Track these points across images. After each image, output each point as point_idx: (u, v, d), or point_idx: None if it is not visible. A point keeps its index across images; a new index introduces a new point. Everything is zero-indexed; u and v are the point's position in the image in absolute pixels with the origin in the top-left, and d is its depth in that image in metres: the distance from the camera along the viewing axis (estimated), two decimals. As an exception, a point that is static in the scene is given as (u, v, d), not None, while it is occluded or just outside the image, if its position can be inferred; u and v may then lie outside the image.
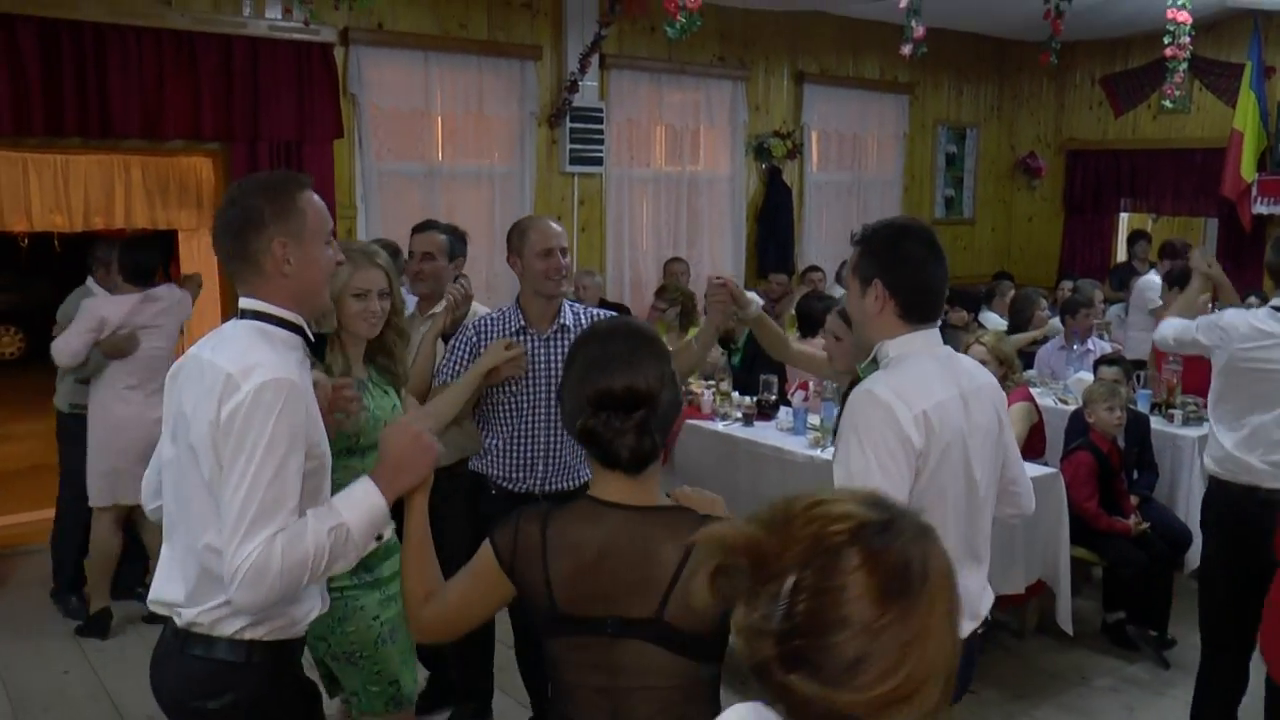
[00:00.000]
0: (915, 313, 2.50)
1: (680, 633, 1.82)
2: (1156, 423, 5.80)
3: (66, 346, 5.06)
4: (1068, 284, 8.58)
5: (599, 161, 8.22)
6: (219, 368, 2.09)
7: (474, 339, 3.72)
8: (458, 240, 4.58)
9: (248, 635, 2.17)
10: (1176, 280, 6.14)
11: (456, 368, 3.69)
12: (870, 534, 1.11)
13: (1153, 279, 7.82)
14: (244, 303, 2.23)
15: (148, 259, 5.38)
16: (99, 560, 5.29)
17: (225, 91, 6.42)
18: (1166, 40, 6.84)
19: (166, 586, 2.22)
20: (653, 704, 1.86)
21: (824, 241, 9.71)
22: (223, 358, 2.11)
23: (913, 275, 2.47)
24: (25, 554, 6.15)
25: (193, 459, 2.11)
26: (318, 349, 2.66)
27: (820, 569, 1.10)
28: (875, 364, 2.54)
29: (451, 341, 3.80)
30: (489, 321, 3.75)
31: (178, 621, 2.19)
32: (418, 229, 4.52)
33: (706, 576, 1.17)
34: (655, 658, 1.84)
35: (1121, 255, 10.58)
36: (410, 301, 4.49)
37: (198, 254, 9.13)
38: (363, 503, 2.12)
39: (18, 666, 4.86)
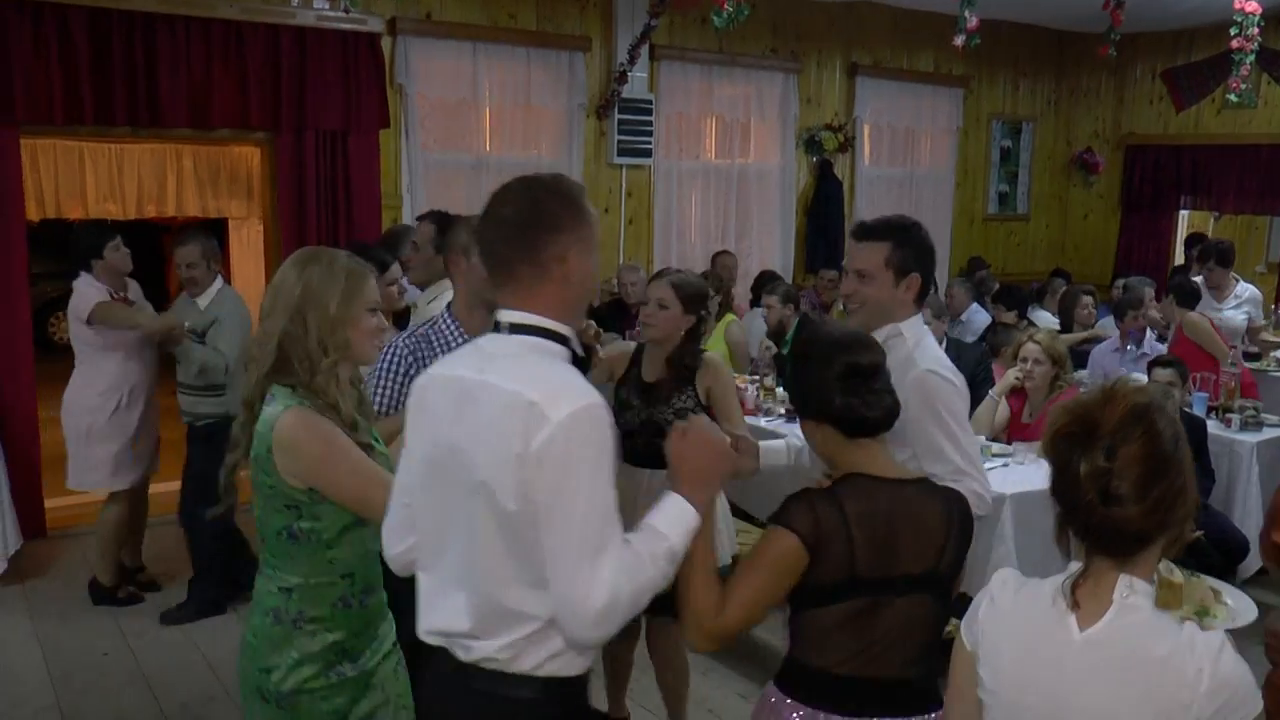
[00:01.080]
0: (924, 298, 2.98)
1: (945, 581, 2.23)
2: (1213, 427, 5.62)
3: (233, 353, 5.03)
4: (1121, 283, 8.40)
5: (648, 154, 8.16)
6: (514, 394, 1.87)
7: (409, 362, 3.14)
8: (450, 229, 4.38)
9: (546, 670, 1.96)
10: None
11: (393, 397, 3.12)
12: (1158, 404, 1.69)
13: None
14: (510, 315, 2.00)
15: None
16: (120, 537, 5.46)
17: (272, 81, 6.45)
18: (1233, 32, 6.66)
19: (448, 619, 2.00)
20: (909, 652, 2.20)
21: (875, 236, 9.57)
22: (511, 381, 1.89)
23: (933, 267, 3.00)
24: (74, 536, 6.23)
25: (480, 494, 1.90)
26: (582, 364, 2.34)
27: (1135, 426, 1.65)
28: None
29: (379, 367, 3.14)
30: (423, 341, 3.17)
31: (463, 656, 1.99)
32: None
33: (1051, 436, 1.75)
34: (925, 608, 2.21)
35: (1179, 255, 10.34)
36: (412, 292, 4.57)
37: (247, 242, 9.21)
38: (680, 520, 1.97)
39: (61, 647, 4.92)
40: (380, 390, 3.13)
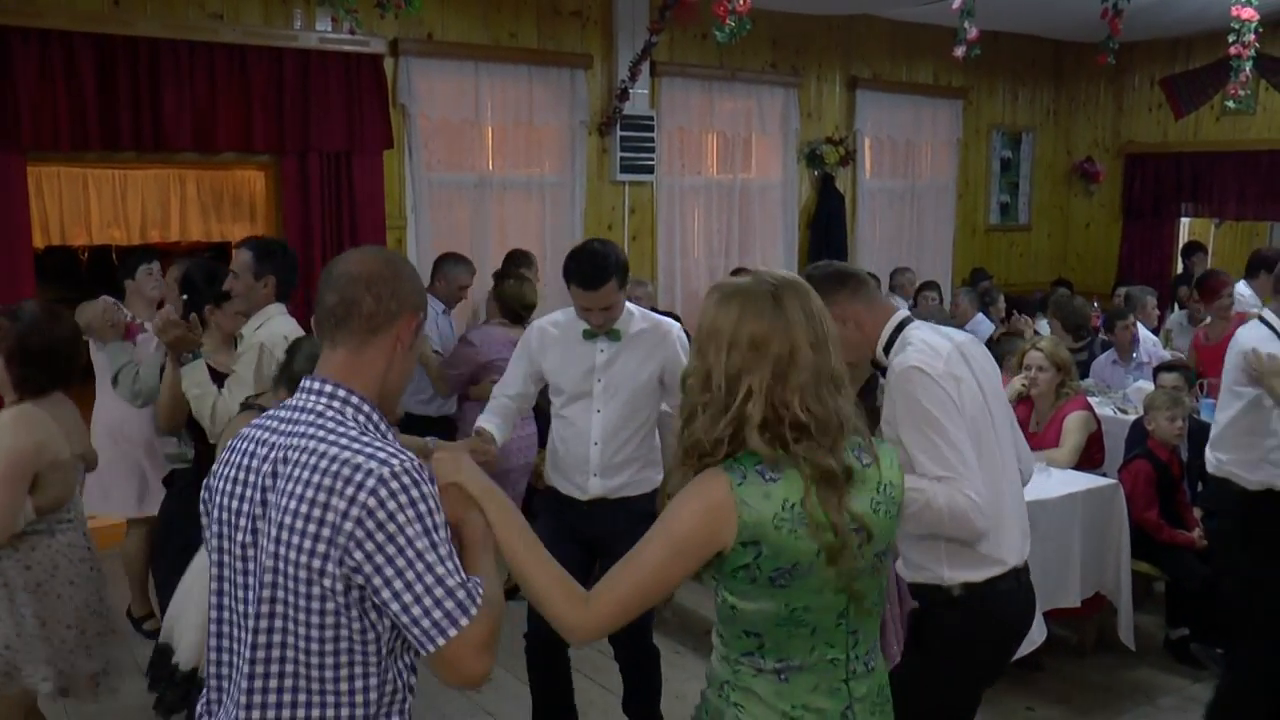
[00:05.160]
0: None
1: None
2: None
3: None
4: (1123, 291, 8.42)
5: (650, 170, 8.19)
6: None
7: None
8: (268, 255, 4.15)
9: None
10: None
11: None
12: None
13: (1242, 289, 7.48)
14: None
15: None
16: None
17: (276, 104, 6.47)
18: (1231, 38, 6.67)
19: None
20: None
21: (878, 249, 9.60)
22: None
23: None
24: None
25: None
26: None
27: None
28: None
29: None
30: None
31: None
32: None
33: None
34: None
35: (1180, 264, 10.33)
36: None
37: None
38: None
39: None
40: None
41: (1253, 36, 6.65)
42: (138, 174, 8.73)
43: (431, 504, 1.77)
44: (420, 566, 1.73)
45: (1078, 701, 4.66)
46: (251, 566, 1.83)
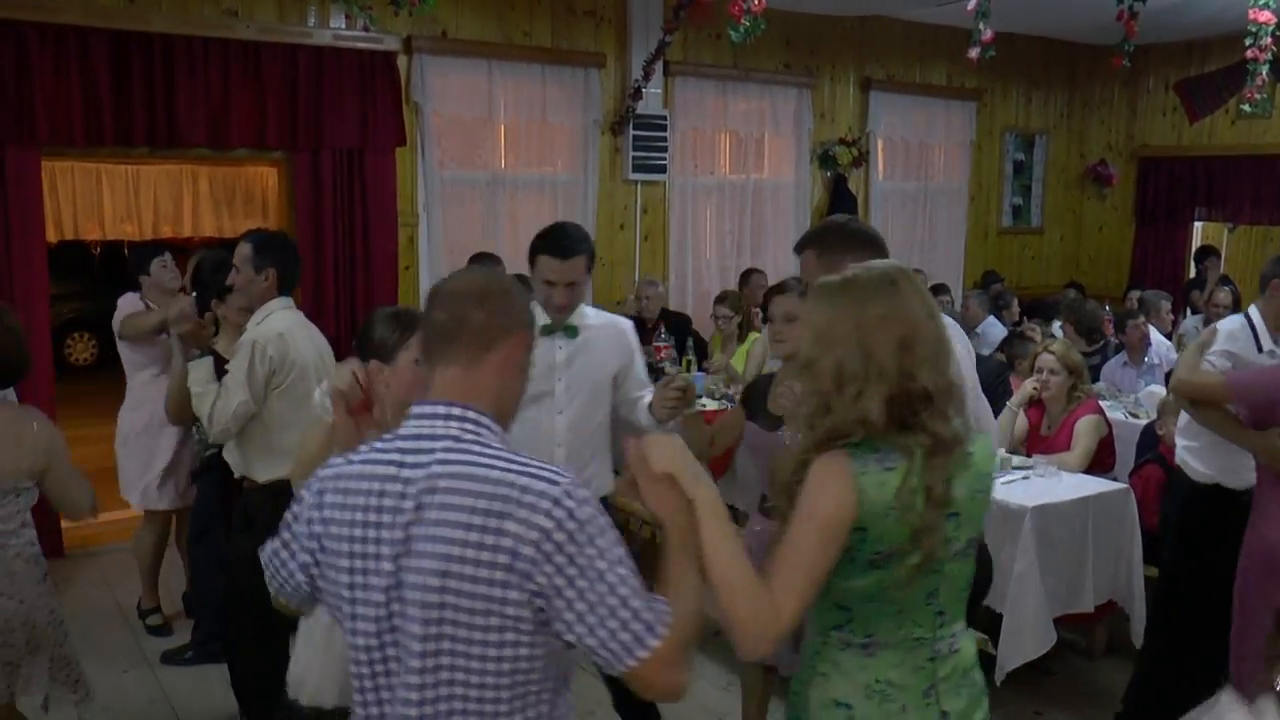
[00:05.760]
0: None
1: None
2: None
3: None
4: (1135, 294, 8.38)
5: (662, 169, 8.18)
6: None
7: None
8: (268, 248, 4.03)
9: None
10: None
11: None
12: None
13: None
14: None
15: None
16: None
17: (289, 100, 6.49)
18: (1248, 42, 6.63)
19: None
20: None
21: (890, 250, 9.54)
22: None
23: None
24: (91, 555, 6.26)
25: None
26: None
27: None
28: None
29: None
30: None
31: None
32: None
33: None
34: None
35: (1192, 269, 10.30)
36: None
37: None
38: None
39: (82, 664, 4.90)
40: None
41: (1270, 40, 6.61)
42: (151, 169, 8.76)
43: (603, 521, 1.72)
44: (603, 588, 1.68)
45: (1087, 706, 4.64)
46: (399, 608, 1.74)
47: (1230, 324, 4.05)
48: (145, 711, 4.54)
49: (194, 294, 4.35)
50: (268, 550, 1.94)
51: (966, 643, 2.12)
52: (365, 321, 2.70)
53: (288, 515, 1.91)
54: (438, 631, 1.71)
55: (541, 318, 3.48)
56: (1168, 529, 4.37)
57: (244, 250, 3.96)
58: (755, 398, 3.62)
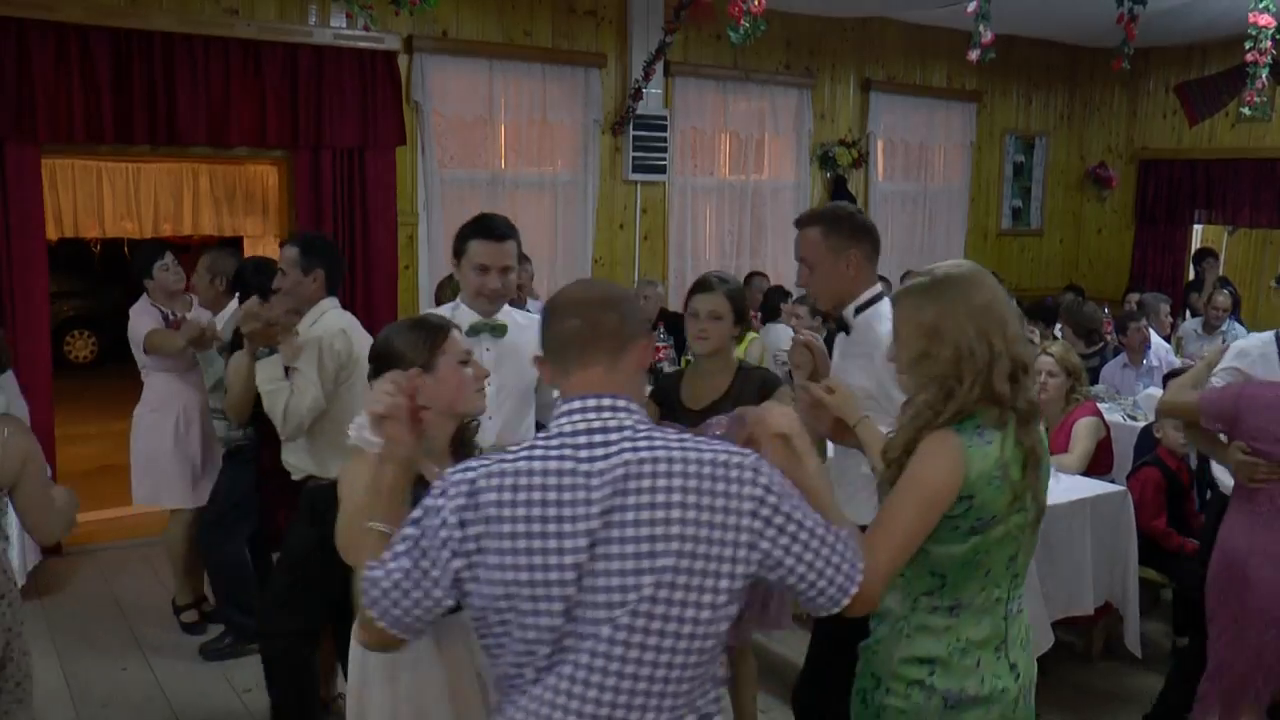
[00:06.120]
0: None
1: None
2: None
3: None
4: (1134, 296, 8.39)
5: (662, 170, 8.19)
6: None
7: None
8: (313, 249, 4.05)
9: None
10: None
11: None
12: None
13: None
14: None
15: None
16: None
17: (290, 99, 6.50)
18: (1248, 45, 6.64)
19: None
20: None
21: (889, 252, 9.56)
22: None
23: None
24: (90, 553, 6.26)
25: None
26: None
27: None
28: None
29: None
30: None
31: None
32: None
33: None
34: None
35: (1191, 271, 10.30)
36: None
37: (264, 260, 9.24)
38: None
39: (80, 662, 4.93)
40: None
41: (1270, 43, 6.61)
42: (151, 167, 8.76)
43: (787, 484, 1.88)
44: (815, 541, 1.85)
45: (1083, 708, 4.65)
46: (589, 597, 1.76)
47: (1248, 342, 4.02)
48: (142, 708, 4.55)
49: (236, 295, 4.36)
50: (387, 579, 1.82)
51: (1025, 605, 2.38)
52: (380, 337, 2.66)
53: (407, 536, 1.82)
54: (648, 609, 1.76)
55: (467, 319, 3.38)
56: (1210, 534, 4.42)
57: (290, 253, 4.01)
58: (667, 399, 3.59)
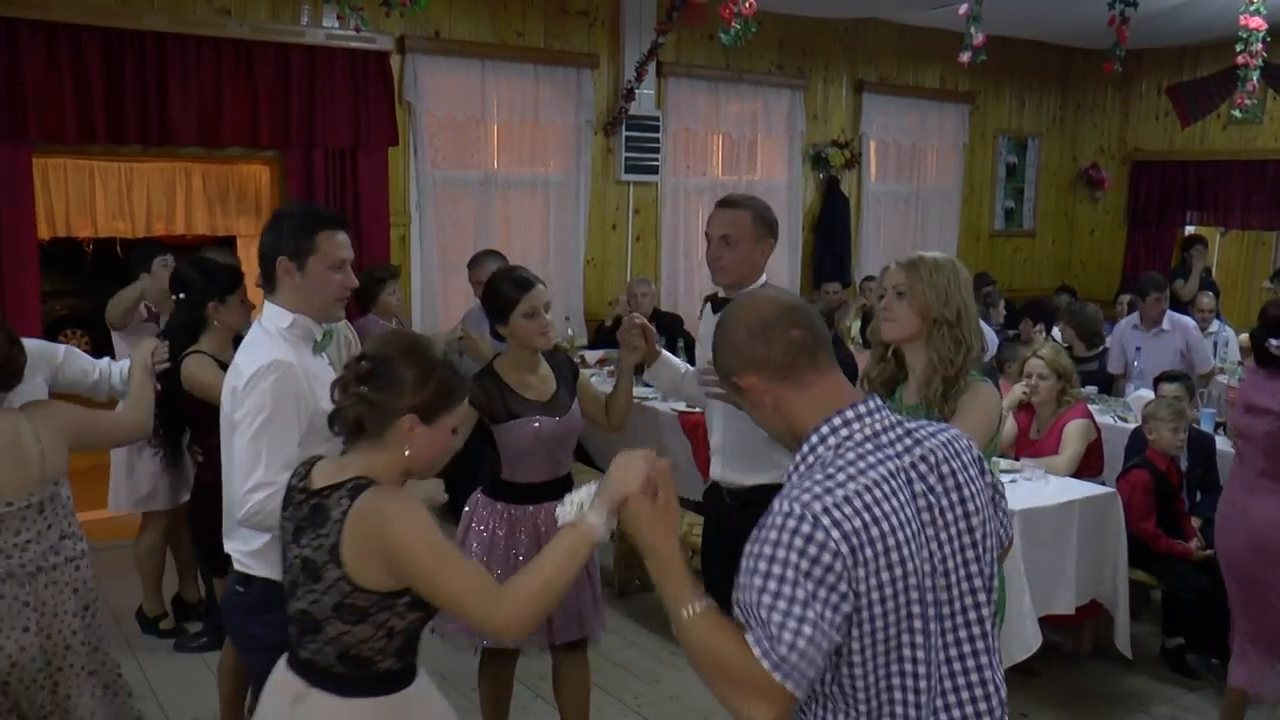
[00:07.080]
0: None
1: None
2: (1222, 443, 5.59)
3: None
4: (1125, 298, 8.40)
5: (655, 170, 8.20)
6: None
7: None
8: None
9: None
10: None
11: None
12: None
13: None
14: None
15: None
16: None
17: (282, 99, 6.50)
18: (1238, 48, 6.66)
19: None
20: None
21: (882, 252, 9.59)
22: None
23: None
24: (82, 554, 6.23)
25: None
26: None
27: None
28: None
29: None
30: None
31: None
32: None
33: None
34: None
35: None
36: None
37: (254, 259, 9.22)
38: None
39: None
40: None
41: (1260, 46, 6.64)
42: (144, 167, 8.73)
43: None
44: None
45: (1072, 708, 4.66)
46: (942, 580, 1.82)
47: None
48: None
49: (179, 297, 4.30)
50: (796, 648, 1.65)
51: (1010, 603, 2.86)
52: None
53: (780, 593, 1.66)
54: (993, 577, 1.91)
55: (315, 334, 2.91)
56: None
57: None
58: (493, 398, 3.55)
